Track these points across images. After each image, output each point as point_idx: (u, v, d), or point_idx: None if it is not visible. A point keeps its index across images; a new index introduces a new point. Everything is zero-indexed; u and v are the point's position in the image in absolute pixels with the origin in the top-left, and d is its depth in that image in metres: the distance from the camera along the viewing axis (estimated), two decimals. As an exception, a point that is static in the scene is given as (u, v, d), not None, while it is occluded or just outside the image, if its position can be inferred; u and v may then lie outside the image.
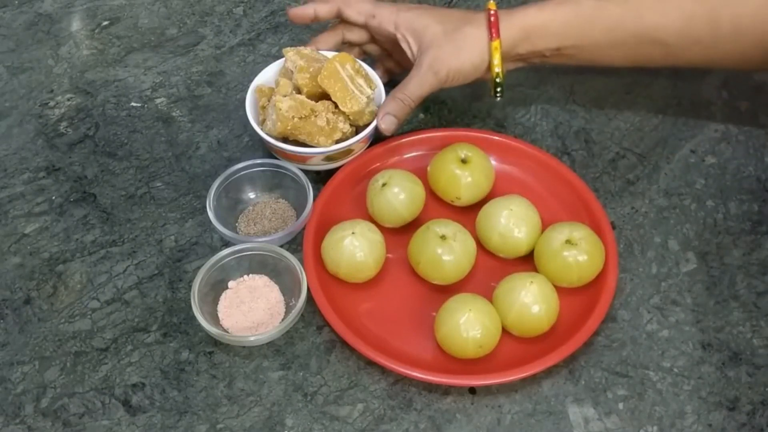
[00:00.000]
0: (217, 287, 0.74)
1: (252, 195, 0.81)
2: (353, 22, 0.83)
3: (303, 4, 0.84)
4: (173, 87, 0.92)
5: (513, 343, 0.72)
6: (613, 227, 0.78)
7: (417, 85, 0.78)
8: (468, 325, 0.68)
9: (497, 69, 0.78)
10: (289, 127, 0.77)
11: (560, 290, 0.72)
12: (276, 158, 0.81)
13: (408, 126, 0.88)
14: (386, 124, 0.78)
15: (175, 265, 0.77)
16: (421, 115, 0.89)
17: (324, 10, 0.83)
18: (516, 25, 0.77)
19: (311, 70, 0.79)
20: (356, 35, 0.85)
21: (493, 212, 0.76)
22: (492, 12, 0.77)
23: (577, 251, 0.72)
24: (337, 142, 0.79)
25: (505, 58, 0.78)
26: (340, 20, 0.84)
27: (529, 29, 0.77)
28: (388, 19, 0.80)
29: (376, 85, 0.82)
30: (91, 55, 0.95)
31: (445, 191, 0.80)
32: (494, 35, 0.76)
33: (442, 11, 0.81)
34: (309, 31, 0.97)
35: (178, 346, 0.72)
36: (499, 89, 0.79)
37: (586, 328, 0.70)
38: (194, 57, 0.95)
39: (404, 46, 0.80)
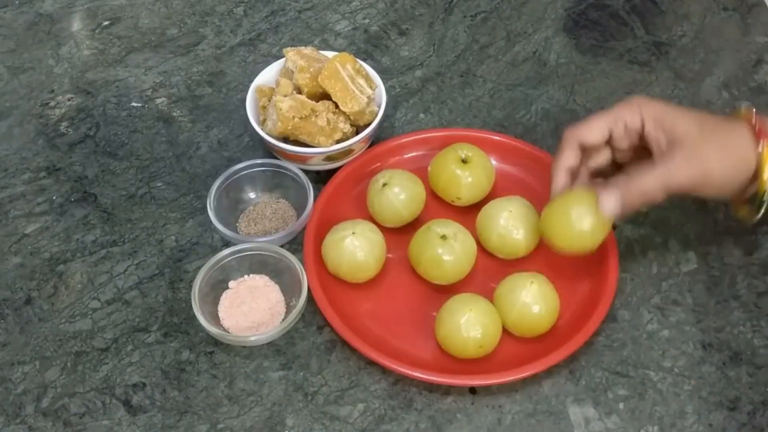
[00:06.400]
0: (217, 287, 0.74)
1: (252, 195, 0.81)
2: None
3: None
4: (174, 87, 0.92)
5: (513, 343, 0.72)
6: (614, 227, 0.78)
7: (660, 177, 0.66)
8: (468, 325, 0.68)
9: None
10: (289, 127, 0.77)
11: (561, 290, 0.72)
12: (276, 158, 0.81)
13: (408, 126, 0.88)
14: (608, 204, 0.68)
15: (175, 265, 0.77)
16: (421, 115, 0.89)
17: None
18: None
19: (312, 70, 0.79)
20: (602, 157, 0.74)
21: (493, 213, 0.76)
22: (754, 116, 0.68)
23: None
24: (338, 142, 0.79)
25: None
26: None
27: None
28: (631, 118, 0.69)
29: (377, 85, 0.82)
30: (92, 55, 0.95)
31: (445, 191, 0.80)
32: (764, 141, 0.66)
33: (689, 110, 0.70)
34: (309, 31, 0.97)
35: (178, 346, 0.72)
36: (763, 207, 0.68)
37: (587, 328, 0.70)
38: (195, 57, 0.95)
39: (650, 140, 0.69)
